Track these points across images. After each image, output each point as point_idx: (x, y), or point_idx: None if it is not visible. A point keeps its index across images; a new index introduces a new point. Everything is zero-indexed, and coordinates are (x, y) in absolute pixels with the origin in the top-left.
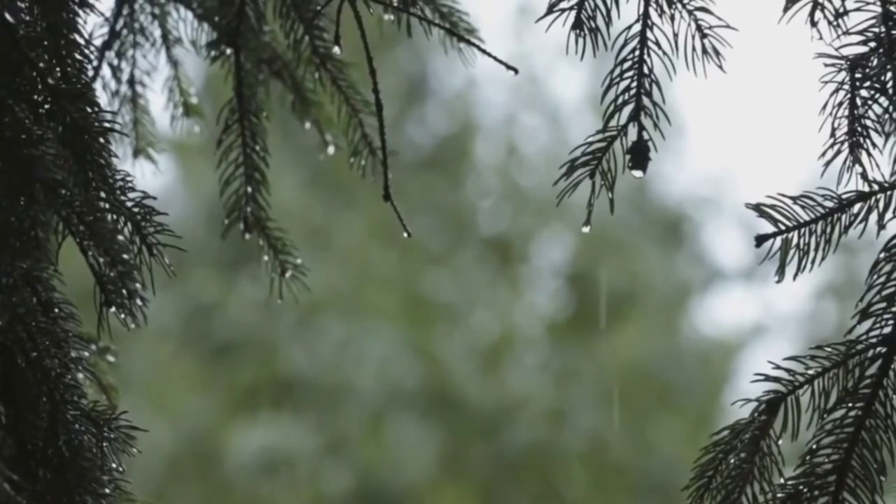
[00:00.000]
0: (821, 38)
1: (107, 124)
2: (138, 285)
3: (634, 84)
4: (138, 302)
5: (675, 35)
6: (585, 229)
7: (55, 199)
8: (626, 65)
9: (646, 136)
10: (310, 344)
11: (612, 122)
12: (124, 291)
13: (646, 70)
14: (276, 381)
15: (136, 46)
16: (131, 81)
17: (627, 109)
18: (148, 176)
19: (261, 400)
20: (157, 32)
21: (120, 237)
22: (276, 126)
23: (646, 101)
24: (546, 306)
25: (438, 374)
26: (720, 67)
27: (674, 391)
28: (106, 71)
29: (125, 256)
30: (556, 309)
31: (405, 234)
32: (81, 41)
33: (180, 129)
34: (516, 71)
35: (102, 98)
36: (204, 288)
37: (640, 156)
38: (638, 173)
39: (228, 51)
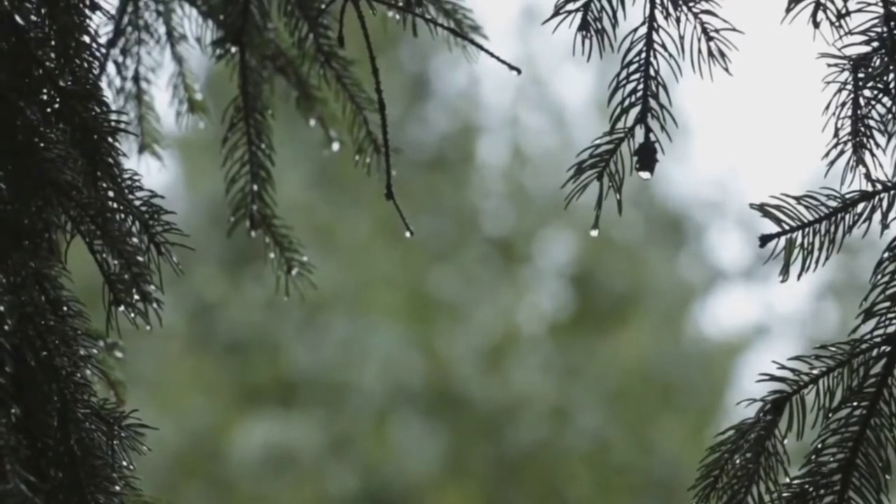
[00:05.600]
0: (824, 38)
1: (115, 124)
2: (152, 287)
3: (641, 86)
4: (154, 304)
5: (681, 37)
6: (594, 233)
7: (66, 200)
8: (633, 67)
9: (653, 138)
10: (314, 342)
11: (619, 125)
12: (136, 293)
13: (652, 72)
14: (280, 380)
15: (141, 43)
16: (136, 78)
17: (634, 111)
18: (151, 173)
19: (265, 398)
20: (162, 29)
21: (134, 239)
22: (279, 124)
23: (652, 103)
24: (549, 306)
25: (442, 372)
26: (726, 70)
27: (676, 391)
28: (111, 68)
29: (139, 258)
30: (559, 308)
31: (407, 233)
32: (90, 42)
33: (185, 126)
34: (519, 71)
35: (107, 95)
36: (208, 286)
37: (647, 157)
38: (645, 175)
39: (233, 49)
